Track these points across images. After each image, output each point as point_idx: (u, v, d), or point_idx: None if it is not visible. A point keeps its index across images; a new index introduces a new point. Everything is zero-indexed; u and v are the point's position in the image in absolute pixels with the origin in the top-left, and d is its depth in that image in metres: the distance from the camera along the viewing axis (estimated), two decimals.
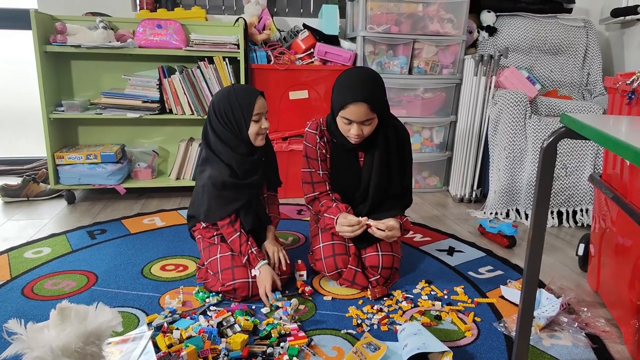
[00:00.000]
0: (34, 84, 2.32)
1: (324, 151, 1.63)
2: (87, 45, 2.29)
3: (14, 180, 2.58)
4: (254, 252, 1.49)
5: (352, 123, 1.48)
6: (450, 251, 1.92)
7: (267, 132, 1.57)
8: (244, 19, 2.50)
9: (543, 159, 1.00)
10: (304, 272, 1.62)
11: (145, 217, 2.24)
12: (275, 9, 2.96)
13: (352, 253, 1.58)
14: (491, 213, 2.36)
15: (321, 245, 1.60)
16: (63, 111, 2.40)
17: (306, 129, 1.64)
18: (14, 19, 2.81)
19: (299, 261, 1.66)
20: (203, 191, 1.52)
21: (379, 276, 1.54)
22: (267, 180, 1.67)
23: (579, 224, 2.28)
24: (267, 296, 1.43)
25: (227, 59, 2.46)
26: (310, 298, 1.50)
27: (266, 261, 1.50)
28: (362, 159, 1.62)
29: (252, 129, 1.51)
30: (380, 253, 1.55)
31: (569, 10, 2.86)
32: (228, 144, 1.51)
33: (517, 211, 2.36)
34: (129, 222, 2.17)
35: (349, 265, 1.55)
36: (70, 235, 1.99)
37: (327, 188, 1.64)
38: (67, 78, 2.58)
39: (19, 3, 2.83)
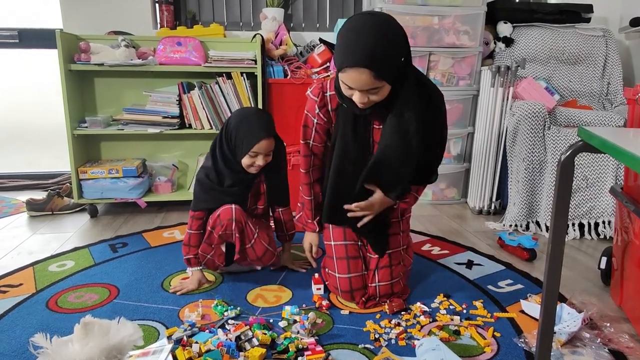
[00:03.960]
0: (57, 100, 2.40)
1: (323, 121, 1.47)
2: (109, 63, 2.36)
3: (39, 195, 2.65)
4: (193, 257, 1.64)
5: (353, 89, 1.25)
6: (469, 264, 1.90)
7: (263, 165, 1.58)
8: (261, 36, 2.55)
9: (561, 173, 1.00)
10: (322, 286, 1.62)
11: (165, 231, 2.28)
12: (291, 24, 3.01)
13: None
14: (510, 225, 2.34)
15: (337, 276, 1.54)
16: (86, 127, 2.47)
17: (308, 92, 1.47)
18: (40, 39, 2.92)
19: (316, 275, 1.67)
20: (195, 184, 1.68)
21: (388, 302, 1.52)
22: (270, 197, 1.74)
23: (602, 237, 2.23)
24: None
25: (244, 75, 2.51)
26: (328, 312, 1.50)
27: (200, 267, 1.66)
28: (378, 127, 1.39)
29: (246, 160, 1.58)
30: (392, 282, 1.53)
31: (587, 20, 2.84)
32: (225, 156, 1.60)
33: (537, 223, 2.33)
34: (150, 236, 2.21)
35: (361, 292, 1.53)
36: (93, 249, 2.04)
37: (324, 164, 1.55)
38: (91, 95, 2.66)
39: (44, 23, 2.94)
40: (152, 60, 2.44)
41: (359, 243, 1.59)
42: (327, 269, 1.61)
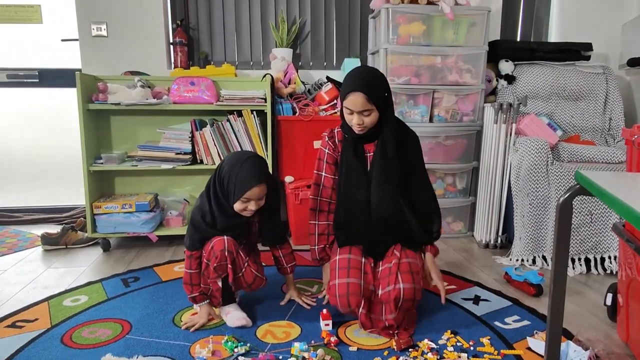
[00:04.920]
0: (71, 136, 2.49)
1: (331, 150, 1.77)
2: (126, 103, 2.46)
3: (54, 229, 2.72)
4: (198, 295, 1.69)
5: (353, 113, 1.61)
6: (476, 300, 1.92)
7: (255, 210, 1.63)
8: (271, 75, 2.65)
9: (560, 215, 1.04)
10: (330, 322, 1.65)
11: (176, 265, 2.32)
12: (300, 63, 3.12)
13: (369, 292, 1.63)
14: (517, 260, 2.35)
15: (337, 282, 1.62)
16: (102, 164, 2.55)
17: (323, 133, 1.82)
18: (59, 78, 3.05)
19: (325, 310, 1.70)
20: (189, 222, 1.72)
21: (396, 313, 1.57)
22: (265, 238, 1.80)
23: (608, 271, 2.24)
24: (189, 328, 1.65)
25: (255, 112, 2.60)
26: (336, 349, 1.52)
27: (207, 302, 1.71)
28: (371, 154, 1.72)
29: (238, 205, 1.62)
30: (401, 285, 1.57)
31: (587, 58, 2.92)
32: (218, 200, 1.65)
33: (544, 258, 2.35)
34: (161, 270, 2.25)
35: (362, 311, 1.60)
36: (106, 283, 2.08)
37: (330, 198, 1.77)
38: (106, 132, 2.76)
39: (63, 63, 3.07)
40: (167, 99, 2.54)
41: (363, 260, 1.68)
42: (330, 282, 1.67)
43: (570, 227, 1.05)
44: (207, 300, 1.72)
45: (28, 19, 3.02)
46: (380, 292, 1.61)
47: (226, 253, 1.62)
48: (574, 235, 2.25)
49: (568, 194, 1.03)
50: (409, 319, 1.65)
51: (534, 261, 2.35)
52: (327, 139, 1.78)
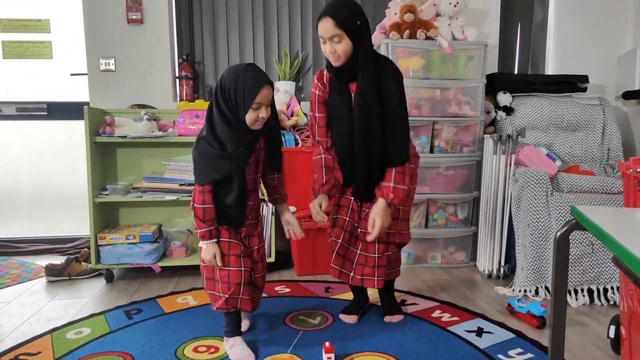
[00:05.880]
0: (76, 166, 2.52)
1: (321, 92, 1.84)
2: (132, 136, 2.52)
3: (57, 260, 2.74)
4: (212, 231, 1.64)
5: (326, 42, 1.67)
6: (479, 332, 1.91)
7: (266, 118, 1.59)
8: None
9: (557, 250, 1.06)
10: (332, 355, 1.64)
11: (178, 296, 2.33)
12: (302, 95, 3.19)
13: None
14: (520, 291, 2.35)
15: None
16: (107, 195, 2.59)
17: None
18: (66, 111, 3.13)
19: (327, 343, 1.69)
20: (194, 159, 1.65)
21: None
22: (267, 158, 1.75)
23: (611, 302, 2.23)
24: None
25: None
26: None
27: (216, 240, 1.65)
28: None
29: (250, 116, 1.56)
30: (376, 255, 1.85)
31: (584, 89, 2.98)
32: (226, 119, 1.57)
33: (547, 289, 2.34)
34: (164, 301, 2.26)
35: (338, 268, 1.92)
36: (109, 315, 2.09)
37: (326, 136, 1.88)
38: (112, 164, 2.80)
39: (72, 96, 3.15)
40: (172, 131, 2.60)
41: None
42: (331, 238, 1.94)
43: (567, 262, 1.07)
44: (216, 240, 1.65)
45: (39, 55, 3.12)
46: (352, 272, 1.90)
47: (241, 287, 1.64)
48: (576, 266, 2.25)
49: (564, 229, 1.05)
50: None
51: (536, 292, 2.35)
52: (316, 80, 1.86)
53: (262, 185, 1.88)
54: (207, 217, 1.62)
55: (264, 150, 1.73)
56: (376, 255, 1.86)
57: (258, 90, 1.54)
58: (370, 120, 1.75)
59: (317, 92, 1.86)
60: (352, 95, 1.78)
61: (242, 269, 1.65)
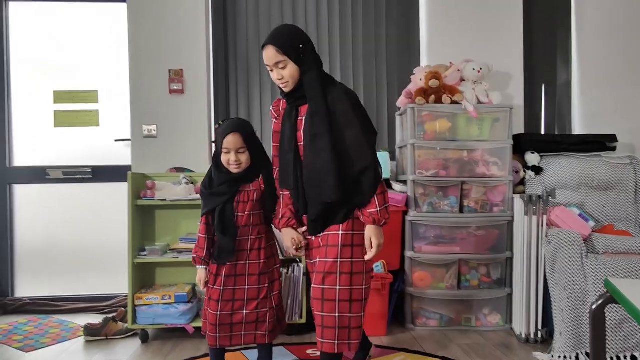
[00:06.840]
0: (112, 226, 2.65)
1: (275, 119, 1.92)
2: (171, 199, 2.64)
3: (95, 319, 2.81)
4: (198, 258, 1.97)
5: (273, 70, 1.73)
6: None
7: (240, 164, 1.89)
8: None
9: (593, 323, 1.06)
10: None
11: None
12: None
13: None
14: (559, 357, 2.27)
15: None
16: (146, 255, 2.69)
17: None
18: (110, 174, 3.30)
19: None
20: None
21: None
22: (267, 204, 1.99)
23: None
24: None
25: None
26: None
27: (205, 267, 1.98)
28: (302, 118, 1.80)
29: (223, 158, 1.91)
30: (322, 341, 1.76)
31: (613, 148, 2.98)
32: (214, 162, 1.96)
33: (588, 355, 2.26)
34: None
35: None
36: None
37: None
38: (151, 225, 2.92)
39: (115, 160, 3.33)
40: None
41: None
42: None
43: (604, 334, 1.06)
44: (205, 266, 1.98)
45: (87, 123, 3.35)
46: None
47: (216, 327, 1.91)
48: (617, 332, 2.18)
49: (599, 302, 1.06)
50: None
51: (577, 358, 2.26)
52: (271, 109, 1.95)
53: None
54: (199, 245, 1.98)
55: (256, 192, 1.97)
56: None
57: (223, 138, 1.87)
58: (320, 141, 1.69)
59: (273, 121, 1.96)
60: (300, 119, 1.79)
61: (218, 313, 1.91)
